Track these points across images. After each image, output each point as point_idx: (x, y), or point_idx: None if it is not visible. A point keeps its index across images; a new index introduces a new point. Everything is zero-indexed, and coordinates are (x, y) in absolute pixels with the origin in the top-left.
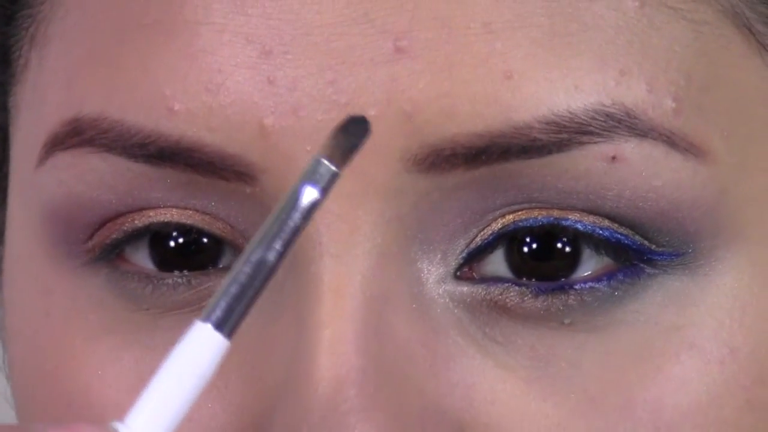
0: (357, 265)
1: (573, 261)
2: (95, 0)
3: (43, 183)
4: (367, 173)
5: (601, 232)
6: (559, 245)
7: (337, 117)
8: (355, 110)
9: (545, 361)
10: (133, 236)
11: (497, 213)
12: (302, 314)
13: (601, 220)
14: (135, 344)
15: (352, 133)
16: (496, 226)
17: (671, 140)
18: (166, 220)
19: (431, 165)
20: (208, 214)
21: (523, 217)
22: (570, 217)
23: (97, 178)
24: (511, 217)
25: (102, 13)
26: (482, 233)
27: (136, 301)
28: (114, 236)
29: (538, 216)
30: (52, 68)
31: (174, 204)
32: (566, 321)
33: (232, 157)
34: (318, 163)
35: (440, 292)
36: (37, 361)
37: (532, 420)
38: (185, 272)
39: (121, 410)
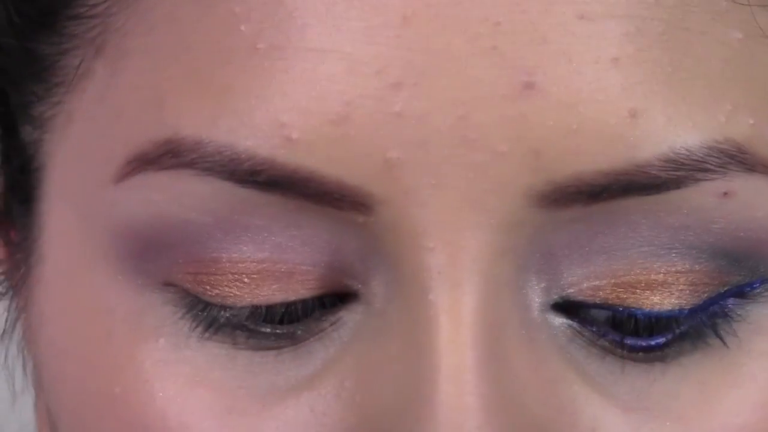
0: (475, 294)
1: (669, 323)
2: (192, 18)
3: (122, 200)
4: (490, 206)
5: (700, 311)
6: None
7: (464, 153)
8: (485, 146)
9: (646, 392)
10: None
11: (603, 261)
12: (416, 342)
13: (696, 281)
14: (215, 371)
15: None
16: (602, 295)
17: None
18: (257, 303)
19: (554, 201)
20: (307, 245)
21: (630, 306)
22: (675, 308)
23: (197, 200)
24: (615, 295)
25: (201, 33)
26: (585, 288)
27: (218, 334)
28: (196, 273)
29: (642, 307)
30: (134, 84)
31: (267, 239)
32: (668, 360)
33: (351, 188)
34: None
35: (543, 319)
36: (100, 384)
37: None
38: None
39: None
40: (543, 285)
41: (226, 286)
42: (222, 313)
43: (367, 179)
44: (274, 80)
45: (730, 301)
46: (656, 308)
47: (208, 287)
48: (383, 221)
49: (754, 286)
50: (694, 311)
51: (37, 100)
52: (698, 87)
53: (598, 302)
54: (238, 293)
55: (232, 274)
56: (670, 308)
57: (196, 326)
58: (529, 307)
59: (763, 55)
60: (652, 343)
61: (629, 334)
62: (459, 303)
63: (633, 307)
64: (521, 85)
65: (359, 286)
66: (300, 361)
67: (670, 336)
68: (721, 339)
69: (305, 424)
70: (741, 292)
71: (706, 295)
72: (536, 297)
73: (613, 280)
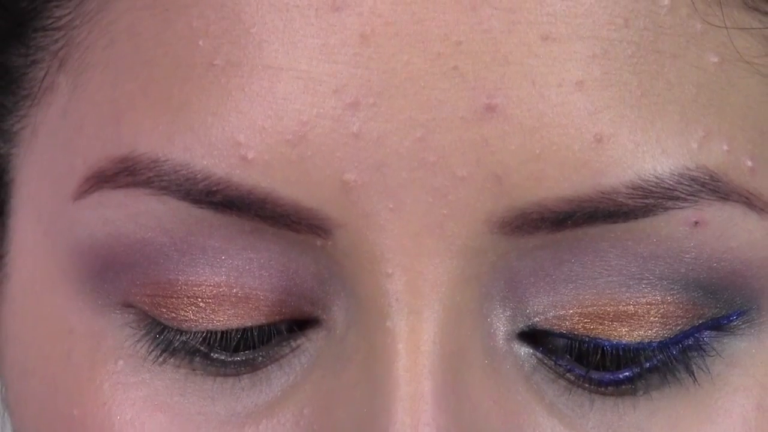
0: (434, 321)
1: (632, 357)
2: (151, 32)
3: (80, 218)
4: (450, 233)
5: (673, 345)
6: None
7: (423, 176)
8: (444, 170)
9: (614, 426)
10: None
11: (571, 291)
12: (374, 370)
13: (667, 314)
14: (173, 396)
15: None
16: (567, 325)
17: (749, 201)
18: (214, 329)
19: (516, 228)
20: (264, 269)
21: (597, 336)
22: (644, 340)
23: (153, 220)
24: (582, 326)
25: (159, 48)
26: (550, 318)
27: (176, 359)
28: (154, 295)
29: (610, 338)
30: (93, 99)
31: (224, 262)
32: (639, 393)
33: (308, 211)
34: None
35: (508, 349)
36: (59, 405)
37: None
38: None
39: None
40: (508, 313)
41: (182, 309)
42: (178, 337)
43: (323, 202)
44: (231, 97)
45: (706, 334)
46: (624, 340)
47: (164, 310)
48: (341, 245)
49: (731, 318)
50: (665, 344)
51: (6, 113)
52: (669, 112)
53: (564, 332)
54: (193, 317)
55: (188, 297)
56: (638, 340)
57: (154, 349)
58: (493, 336)
59: (740, 80)
60: (620, 376)
61: (595, 368)
62: (417, 331)
63: (600, 338)
64: (482, 107)
65: (319, 312)
66: (259, 387)
67: (637, 370)
68: (692, 375)
69: None
70: (717, 325)
71: (678, 327)
72: (501, 325)
73: (579, 310)
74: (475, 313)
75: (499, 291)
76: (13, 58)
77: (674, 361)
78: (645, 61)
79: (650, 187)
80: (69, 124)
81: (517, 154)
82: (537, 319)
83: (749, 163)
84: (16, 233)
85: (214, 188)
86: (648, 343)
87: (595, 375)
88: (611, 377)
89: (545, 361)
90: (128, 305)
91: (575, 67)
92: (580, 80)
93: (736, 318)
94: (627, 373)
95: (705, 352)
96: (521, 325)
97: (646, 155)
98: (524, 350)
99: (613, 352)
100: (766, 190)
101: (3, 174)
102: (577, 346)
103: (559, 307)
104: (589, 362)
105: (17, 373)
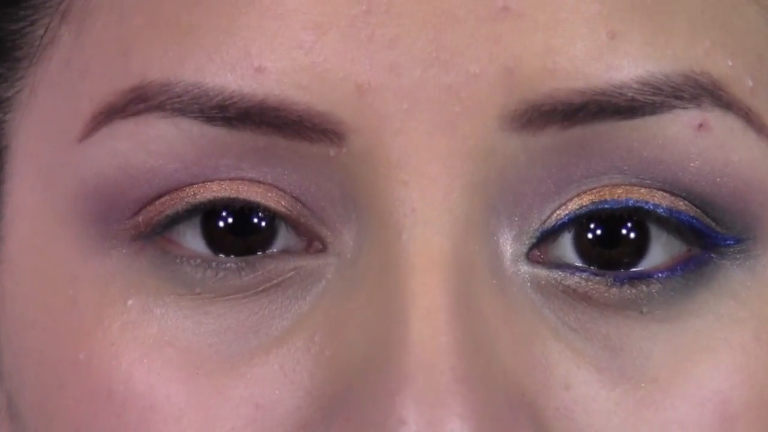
0: (447, 233)
1: (641, 247)
2: None
3: (87, 157)
4: (462, 131)
5: (678, 215)
6: (626, 231)
7: (436, 74)
8: (457, 67)
9: (618, 349)
10: (187, 214)
11: (575, 189)
12: (387, 286)
13: (676, 201)
14: (184, 331)
15: None
16: (572, 206)
17: (749, 117)
18: (226, 196)
19: (528, 122)
20: (274, 186)
21: (603, 198)
22: (649, 200)
23: (164, 145)
24: (587, 198)
25: None
26: (557, 213)
27: (185, 285)
28: (167, 212)
29: (618, 197)
30: (98, 40)
31: (239, 175)
32: (644, 310)
33: (321, 116)
34: None
35: (516, 270)
36: (63, 351)
37: (602, 407)
38: (241, 258)
39: (169, 401)
40: (514, 232)
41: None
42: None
43: (337, 106)
44: (241, 14)
45: (703, 259)
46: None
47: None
48: (356, 151)
49: (728, 242)
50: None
51: (2, 81)
52: (678, 20)
53: (569, 213)
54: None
55: (198, 202)
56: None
57: (164, 281)
58: (500, 257)
59: (742, 5)
60: (625, 276)
61: (604, 264)
62: (431, 244)
63: (607, 199)
64: (497, 8)
65: (328, 235)
66: (269, 318)
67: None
68: (695, 300)
69: (274, 381)
70: (715, 245)
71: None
72: (508, 246)
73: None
74: (482, 227)
75: (506, 205)
76: (10, 24)
77: (676, 281)
78: None
79: (658, 84)
80: (72, 70)
81: (530, 47)
82: (543, 226)
83: (750, 83)
84: (11, 196)
85: (227, 102)
86: (657, 217)
87: (607, 275)
88: (621, 276)
89: (553, 278)
90: (135, 244)
91: None
92: None
93: (734, 243)
94: (635, 274)
95: (707, 277)
96: (527, 244)
97: (656, 53)
98: (531, 271)
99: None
100: (764, 112)
101: None
102: (588, 244)
103: (563, 207)
104: (601, 263)
105: (15, 330)
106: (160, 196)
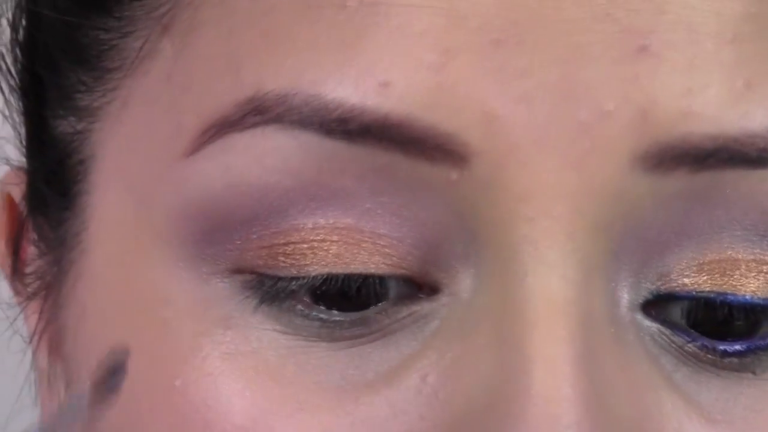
0: (571, 278)
1: (755, 323)
2: None
3: (194, 173)
4: (591, 169)
5: None
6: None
7: (569, 109)
8: (590, 104)
9: (730, 404)
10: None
11: (695, 243)
12: (508, 331)
13: None
14: (287, 367)
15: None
16: (691, 285)
17: None
18: (336, 272)
19: (658, 163)
20: (388, 237)
21: (724, 290)
22: (760, 295)
23: (280, 161)
24: (706, 281)
25: None
26: (675, 284)
27: (292, 328)
28: (270, 272)
29: (734, 291)
30: (204, 55)
31: (355, 204)
32: (757, 371)
33: (446, 136)
34: None
35: (631, 319)
36: (157, 376)
37: None
38: (355, 313)
39: None
40: (631, 280)
41: (301, 253)
42: (293, 284)
43: (463, 128)
44: (366, 33)
45: None
46: (749, 295)
47: (282, 258)
48: (479, 177)
49: None
50: None
51: (85, 89)
52: None
53: (687, 292)
54: (313, 258)
55: (312, 240)
56: (764, 296)
57: (266, 317)
58: (617, 304)
59: None
60: (740, 348)
61: (718, 336)
62: (558, 289)
63: (727, 292)
64: (635, 48)
65: (442, 275)
66: (377, 355)
67: (760, 343)
68: None
69: (383, 421)
70: None
71: None
72: (625, 293)
73: (703, 267)
74: (602, 272)
75: (627, 251)
76: (97, 33)
77: None
78: None
79: None
80: (174, 85)
81: (667, 89)
82: (659, 283)
83: None
84: (97, 209)
85: (348, 115)
86: None
87: (717, 345)
88: (732, 348)
89: (666, 333)
90: (238, 271)
91: (730, 22)
92: (735, 33)
93: None
94: (747, 345)
95: None
96: (644, 294)
97: None
98: (646, 322)
99: (740, 316)
100: None
101: (72, 153)
102: (700, 312)
103: (683, 266)
104: (712, 330)
105: (98, 346)
106: (271, 214)
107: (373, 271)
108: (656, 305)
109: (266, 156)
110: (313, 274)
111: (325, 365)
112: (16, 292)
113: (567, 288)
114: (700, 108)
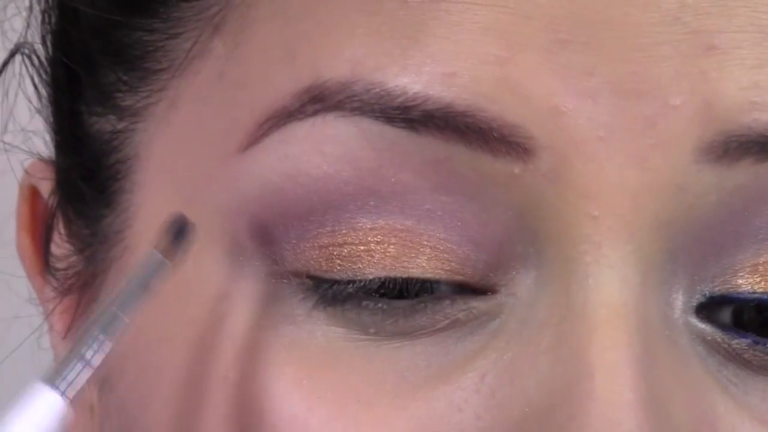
0: (630, 280)
1: None
2: None
3: (250, 167)
4: (654, 165)
5: None
6: None
7: (634, 105)
8: (656, 100)
9: None
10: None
11: (752, 247)
12: (572, 334)
13: None
14: (341, 360)
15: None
16: (745, 286)
17: None
18: (392, 276)
19: (723, 153)
20: (447, 241)
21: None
22: None
23: (341, 147)
24: (759, 279)
25: None
26: (730, 285)
27: (357, 324)
28: (328, 276)
29: None
30: (257, 50)
31: (414, 205)
32: None
33: (511, 127)
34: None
35: (684, 321)
36: (209, 369)
37: None
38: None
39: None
40: (686, 282)
41: (357, 256)
42: (349, 287)
43: (529, 121)
44: (429, 26)
45: None
46: None
47: (338, 262)
48: (543, 171)
49: None
50: None
51: (127, 89)
52: None
53: (740, 292)
54: (370, 260)
55: (369, 242)
56: None
57: (325, 316)
58: (672, 306)
59: None
60: None
61: (765, 332)
62: (618, 292)
63: None
64: (703, 47)
65: (500, 277)
66: (437, 351)
67: None
68: None
69: (438, 418)
70: None
71: None
72: (679, 296)
73: (760, 267)
74: (659, 273)
75: (684, 251)
76: (141, 34)
77: None
78: None
79: None
80: (227, 83)
81: (734, 83)
82: (713, 285)
83: None
84: (142, 208)
85: (411, 103)
86: None
87: (766, 341)
88: None
89: (717, 337)
90: (294, 273)
91: None
92: None
93: None
94: None
95: None
96: (697, 297)
97: None
98: (698, 325)
99: None
100: None
101: (111, 152)
102: (748, 312)
103: (738, 267)
104: (757, 324)
105: (146, 343)
106: (329, 208)
107: (430, 276)
108: (708, 307)
109: (326, 144)
110: (370, 277)
111: (384, 359)
112: (39, 288)
113: (627, 291)
114: (766, 97)
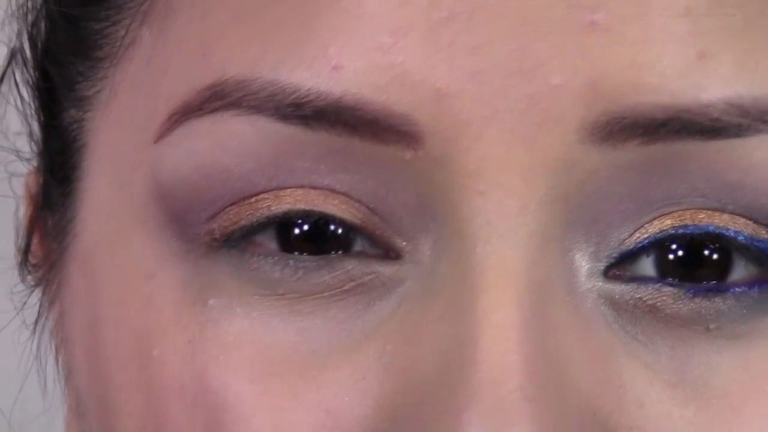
0: (523, 248)
1: (724, 269)
2: None
3: (163, 156)
4: (541, 144)
5: (759, 244)
6: (708, 252)
7: (518, 83)
8: (539, 78)
9: (685, 362)
10: (261, 226)
11: (655, 211)
12: (461, 300)
13: (758, 230)
14: (268, 328)
15: None
16: (653, 229)
17: None
18: (301, 208)
19: (608, 135)
20: (349, 197)
21: (684, 223)
22: (730, 227)
23: (240, 143)
24: (668, 222)
25: None
26: (637, 235)
27: (267, 286)
28: (242, 223)
29: (700, 222)
30: (179, 38)
31: (314, 182)
32: (711, 326)
33: (398, 116)
34: None
35: (590, 286)
36: (136, 349)
37: (676, 425)
38: (319, 256)
39: (241, 400)
40: (591, 249)
41: (266, 204)
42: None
43: (415, 108)
44: (321, 13)
45: None
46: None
47: (247, 209)
48: (432, 156)
49: None
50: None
51: (82, 80)
52: None
53: (648, 235)
54: (276, 202)
55: (276, 190)
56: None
57: (244, 283)
58: (575, 273)
59: None
60: (709, 287)
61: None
62: (506, 258)
63: (689, 224)
64: (585, 22)
65: (404, 243)
66: (353, 319)
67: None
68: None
69: (345, 388)
70: None
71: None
72: (584, 263)
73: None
74: (558, 243)
75: (584, 221)
76: (91, 24)
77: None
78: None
79: (747, 107)
80: (153, 69)
81: (616, 61)
82: (621, 247)
83: None
84: (87, 193)
85: (303, 99)
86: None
87: (680, 286)
88: (698, 289)
89: (624, 293)
90: (213, 243)
91: None
92: (687, 7)
93: None
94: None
95: None
96: (604, 263)
97: (745, 76)
98: (605, 287)
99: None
100: None
101: (72, 142)
102: (664, 255)
103: (642, 230)
104: (678, 274)
105: (88, 327)
106: (234, 202)
107: (335, 212)
108: (620, 266)
109: (227, 140)
110: (276, 212)
111: (306, 327)
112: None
113: (517, 257)
114: (650, 79)
